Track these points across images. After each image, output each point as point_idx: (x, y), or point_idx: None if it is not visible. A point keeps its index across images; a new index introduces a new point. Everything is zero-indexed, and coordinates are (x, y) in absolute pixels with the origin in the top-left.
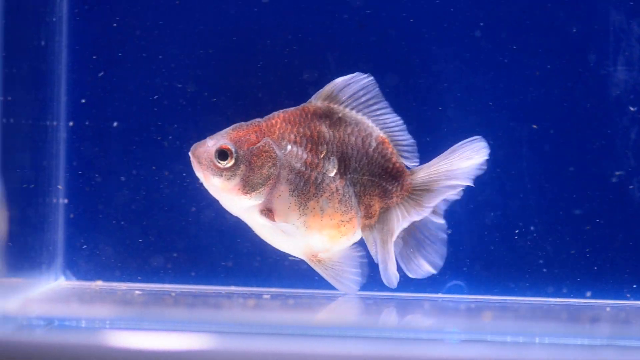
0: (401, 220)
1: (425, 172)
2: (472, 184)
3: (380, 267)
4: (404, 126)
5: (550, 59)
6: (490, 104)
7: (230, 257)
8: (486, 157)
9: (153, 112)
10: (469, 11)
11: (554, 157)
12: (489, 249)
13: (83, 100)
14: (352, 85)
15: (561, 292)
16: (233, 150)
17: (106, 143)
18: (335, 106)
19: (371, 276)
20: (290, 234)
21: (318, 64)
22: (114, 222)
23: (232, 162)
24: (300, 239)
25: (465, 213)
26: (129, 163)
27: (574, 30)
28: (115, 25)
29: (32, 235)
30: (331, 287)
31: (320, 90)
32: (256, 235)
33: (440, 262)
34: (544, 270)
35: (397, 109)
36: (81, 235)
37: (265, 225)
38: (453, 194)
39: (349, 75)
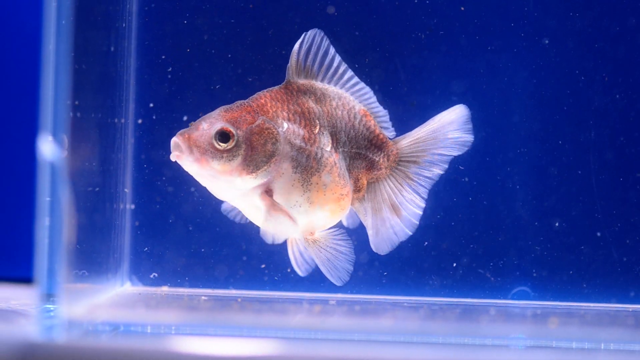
0: (394, 190)
1: (409, 141)
2: (459, 153)
3: (371, 232)
4: (374, 97)
5: (616, 66)
6: (560, 109)
7: None
8: (467, 120)
9: None
10: (538, 19)
11: (620, 163)
12: (555, 254)
13: (151, 105)
14: (316, 53)
15: (628, 298)
16: (234, 131)
17: None
18: (315, 82)
19: (433, 283)
20: (294, 212)
21: (396, 68)
22: (181, 227)
23: (233, 143)
24: (302, 217)
25: (532, 219)
26: None
27: None
28: (185, 22)
29: (98, 241)
30: (398, 293)
31: (288, 64)
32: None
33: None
34: (611, 276)
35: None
36: (148, 241)
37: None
38: (441, 166)
39: (304, 42)
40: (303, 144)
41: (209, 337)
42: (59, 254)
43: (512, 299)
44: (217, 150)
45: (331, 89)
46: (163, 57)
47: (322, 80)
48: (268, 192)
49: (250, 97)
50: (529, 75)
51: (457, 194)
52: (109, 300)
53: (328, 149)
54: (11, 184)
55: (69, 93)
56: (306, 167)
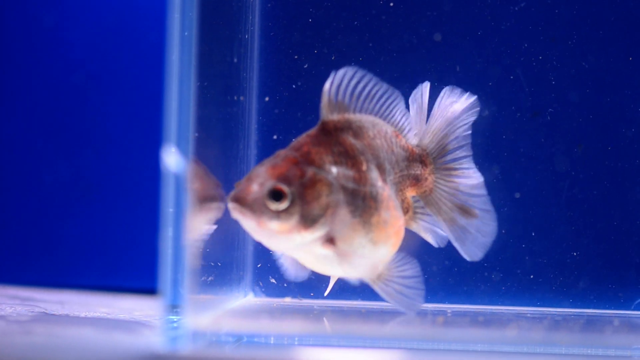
0: (449, 191)
1: (429, 137)
2: (474, 117)
3: (457, 244)
4: (402, 102)
5: None
6: None
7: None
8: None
9: None
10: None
11: None
12: None
13: (276, 110)
14: (345, 87)
15: None
16: (286, 189)
17: None
18: (349, 115)
19: (556, 294)
20: (359, 256)
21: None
22: None
23: (288, 202)
24: (367, 259)
25: None
26: None
27: None
28: (308, 27)
29: (222, 253)
30: (521, 304)
31: (321, 104)
32: (449, 251)
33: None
34: None
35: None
36: (270, 252)
37: (327, 256)
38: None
39: (335, 79)
40: (356, 186)
41: (332, 347)
42: (183, 265)
43: (636, 309)
44: (272, 211)
45: (364, 118)
46: (286, 62)
47: (353, 111)
48: (330, 240)
49: (291, 146)
50: None
51: (580, 205)
52: (232, 311)
53: (379, 183)
54: (135, 195)
55: (193, 104)
56: (364, 208)
